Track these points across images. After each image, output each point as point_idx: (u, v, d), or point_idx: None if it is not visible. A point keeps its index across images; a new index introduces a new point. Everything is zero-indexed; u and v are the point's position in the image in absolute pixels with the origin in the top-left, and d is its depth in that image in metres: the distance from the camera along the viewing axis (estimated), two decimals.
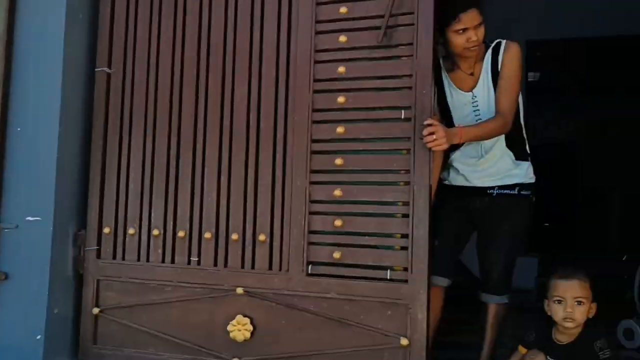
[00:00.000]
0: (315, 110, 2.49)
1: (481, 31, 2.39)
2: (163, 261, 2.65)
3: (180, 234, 2.62)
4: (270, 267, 2.51)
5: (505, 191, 2.52)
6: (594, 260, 7.05)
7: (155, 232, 2.66)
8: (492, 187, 2.53)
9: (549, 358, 2.28)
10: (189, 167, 2.64)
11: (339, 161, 2.44)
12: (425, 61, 2.36)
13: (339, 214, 2.44)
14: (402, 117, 2.38)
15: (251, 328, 2.49)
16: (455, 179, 2.59)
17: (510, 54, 2.45)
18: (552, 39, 6.06)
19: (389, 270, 2.37)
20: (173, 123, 2.68)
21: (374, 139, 2.43)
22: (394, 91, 2.41)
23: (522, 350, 2.39)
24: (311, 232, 2.47)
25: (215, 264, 2.58)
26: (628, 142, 8.20)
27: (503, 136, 2.50)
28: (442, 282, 2.56)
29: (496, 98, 2.45)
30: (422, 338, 2.30)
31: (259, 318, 2.50)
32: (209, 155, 2.62)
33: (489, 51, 2.48)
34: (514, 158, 2.54)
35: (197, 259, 2.61)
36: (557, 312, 2.24)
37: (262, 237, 2.52)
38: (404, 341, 2.31)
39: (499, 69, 2.45)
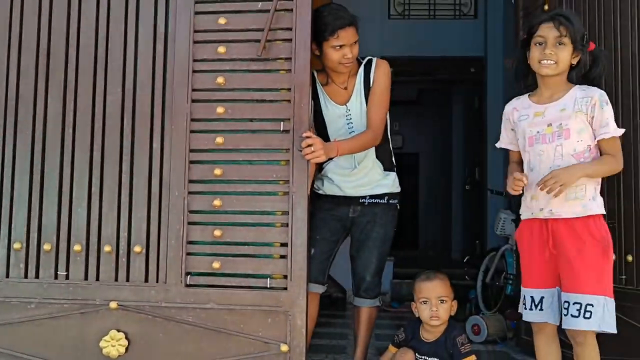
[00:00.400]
0: (193, 120, 2.48)
1: (356, 48, 2.53)
2: (26, 276, 2.48)
3: (46, 247, 2.47)
4: (146, 280, 2.45)
5: (375, 200, 2.67)
6: (438, 262, 7.67)
7: (16, 245, 2.48)
8: (364, 197, 2.68)
9: (417, 356, 2.45)
10: (56, 172, 2.50)
11: (218, 171, 2.45)
12: (302, 75, 2.45)
13: (218, 224, 2.45)
14: (281, 129, 2.45)
15: (126, 343, 2.42)
16: (329, 189, 2.70)
17: (381, 71, 2.62)
18: None
19: (268, 279, 2.42)
20: (37, 124, 2.52)
21: (253, 149, 2.47)
22: (272, 103, 2.48)
23: (392, 349, 2.56)
24: (190, 242, 2.45)
25: (86, 278, 2.47)
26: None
27: (373, 148, 2.65)
28: (319, 289, 2.65)
29: (368, 112, 2.60)
30: (302, 343, 2.37)
31: (134, 332, 2.43)
32: (78, 162, 2.50)
33: (362, 67, 2.63)
34: (382, 169, 2.71)
35: (65, 273, 2.47)
36: (423, 312, 2.42)
37: (137, 249, 2.46)
38: (284, 347, 2.37)
39: (371, 85, 2.60)
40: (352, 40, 2.49)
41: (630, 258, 2.67)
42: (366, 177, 2.67)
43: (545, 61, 2.17)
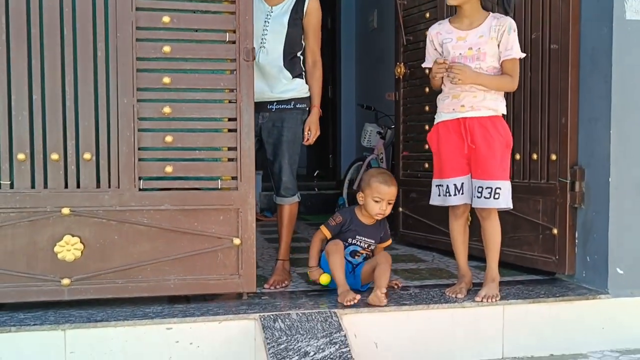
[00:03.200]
0: (139, 29, 2.52)
1: None
2: None
3: None
4: (98, 186, 2.52)
5: (282, 106, 2.96)
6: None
7: None
8: (272, 102, 2.94)
9: (358, 237, 2.84)
10: None
11: (166, 79, 2.54)
12: None
13: (168, 131, 2.57)
14: (227, 39, 2.59)
15: (81, 247, 2.49)
16: None
17: (314, 5, 2.97)
18: None
19: (219, 180, 2.62)
20: None
21: (200, 59, 2.59)
22: (217, 14, 2.59)
23: (325, 231, 2.84)
24: (141, 148, 2.55)
25: (33, 186, 2.46)
26: None
27: (281, 59, 2.92)
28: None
29: (308, 43, 2.99)
30: (252, 237, 2.64)
31: (89, 236, 2.51)
32: (15, 70, 2.43)
33: None
34: (291, 77, 2.96)
35: (8, 182, 2.45)
36: (372, 207, 2.77)
37: (87, 156, 2.49)
38: (237, 241, 2.62)
39: (303, 14, 2.93)
40: None
41: (517, 156, 3.25)
42: (275, 84, 2.92)
43: None
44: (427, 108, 3.92)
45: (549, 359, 2.73)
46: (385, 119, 5.43)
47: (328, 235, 2.85)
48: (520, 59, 2.69)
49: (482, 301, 2.67)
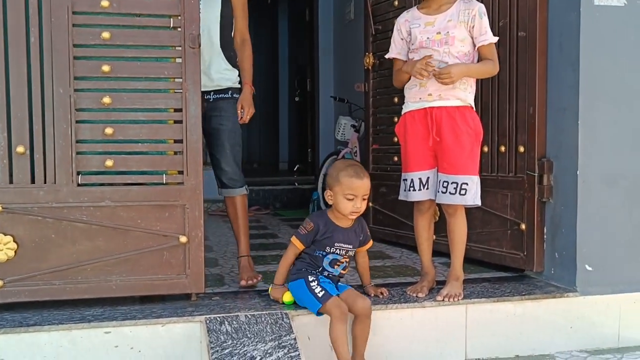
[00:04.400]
0: (75, 13, 2.36)
1: None
2: None
3: None
4: (33, 181, 2.36)
5: (220, 95, 2.80)
6: (269, 173, 8.00)
7: None
8: (209, 92, 2.77)
9: (336, 244, 2.44)
10: None
11: (105, 68, 2.39)
12: None
13: (108, 122, 2.41)
14: (171, 25, 2.44)
15: (15, 246, 2.34)
16: None
17: None
18: None
19: (164, 175, 2.47)
20: None
21: (142, 46, 2.44)
22: None
23: (297, 243, 2.46)
24: (79, 141, 2.39)
25: None
26: None
27: (218, 39, 2.77)
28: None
29: (236, 23, 2.84)
30: (200, 234, 2.49)
31: (23, 235, 2.35)
32: None
33: None
34: (227, 61, 2.81)
35: None
36: (345, 205, 2.37)
37: (20, 149, 2.34)
38: (183, 239, 2.47)
39: None
40: None
41: (485, 149, 3.11)
42: (212, 66, 2.76)
43: None
44: (395, 99, 3.78)
45: (514, 359, 2.61)
46: (359, 112, 5.29)
47: (300, 247, 2.46)
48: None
49: (443, 300, 2.55)
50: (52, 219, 2.37)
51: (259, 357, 2.18)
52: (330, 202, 2.44)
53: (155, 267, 2.47)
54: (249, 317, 2.35)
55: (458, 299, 2.56)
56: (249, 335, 2.27)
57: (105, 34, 2.38)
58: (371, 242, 2.59)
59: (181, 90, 2.45)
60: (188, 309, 2.42)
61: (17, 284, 2.35)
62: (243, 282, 2.77)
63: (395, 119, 3.79)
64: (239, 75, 2.87)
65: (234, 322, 2.32)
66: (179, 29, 2.44)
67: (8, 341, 2.19)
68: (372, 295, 2.59)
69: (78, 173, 2.40)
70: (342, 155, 5.29)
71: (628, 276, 2.77)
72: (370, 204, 4.07)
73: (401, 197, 2.73)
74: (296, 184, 6.91)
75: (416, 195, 2.63)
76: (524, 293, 2.69)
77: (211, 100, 2.78)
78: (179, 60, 2.45)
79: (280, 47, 9.35)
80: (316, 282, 2.39)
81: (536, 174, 2.85)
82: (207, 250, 3.71)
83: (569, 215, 2.74)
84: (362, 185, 2.38)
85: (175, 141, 2.48)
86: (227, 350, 2.19)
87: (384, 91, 3.94)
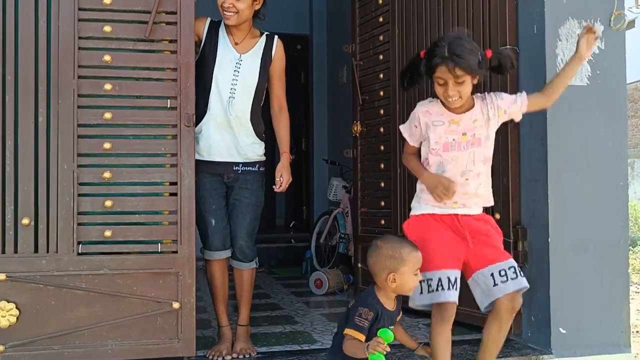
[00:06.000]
0: (81, 96, 2.58)
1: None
2: None
3: None
4: (36, 250, 2.53)
5: (248, 168, 2.87)
6: (266, 229, 8.15)
7: None
8: (238, 164, 2.84)
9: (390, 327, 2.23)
10: None
11: (107, 145, 2.59)
12: (187, 57, 2.66)
13: (108, 195, 2.60)
14: (168, 106, 2.65)
15: (17, 313, 2.48)
16: (206, 151, 2.82)
17: (281, 50, 2.94)
18: None
19: (159, 244, 2.64)
20: None
21: (141, 124, 2.64)
22: (159, 82, 2.66)
23: (359, 336, 2.17)
24: (80, 213, 2.57)
25: None
26: None
27: (249, 111, 2.85)
28: (226, 254, 2.89)
29: (274, 89, 2.95)
30: (192, 300, 2.64)
31: (25, 302, 2.50)
32: None
33: (264, 38, 2.92)
34: (254, 134, 2.89)
35: None
36: (413, 282, 2.23)
37: (25, 221, 2.51)
38: (176, 305, 2.61)
39: (271, 60, 2.90)
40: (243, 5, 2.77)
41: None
42: (241, 138, 2.83)
43: (450, 99, 2.31)
44: (382, 165, 3.98)
45: None
46: (350, 173, 5.48)
47: (363, 338, 2.16)
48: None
49: None
50: (53, 286, 2.53)
51: None
52: (392, 285, 2.22)
53: (149, 332, 2.60)
54: None
55: None
56: None
57: (107, 115, 2.59)
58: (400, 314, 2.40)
59: (176, 165, 2.64)
60: None
61: (18, 349, 2.48)
62: (234, 355, 2.75)
63: (382, 184, 4.00)
64: (263, 147, 2.95)
65: None
66: (176, 109, 2.64)
67: None
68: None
69: (79, 243, 2.56)
70: (334, 215, 5.46)
71: (601, 338, 2.90)
72: (360, 265, 4.23)
73: (421, 302, 2.34)
74: (292, 241, 7.06)
75: (446, 295, 2.28)
76: (501, 356, 2.80)
77: (239, 171, 2.85)
78: (175, 137, 2.65)
79: None
80: None
81: (511, 241, 3.01)
82: (201, 311, 3.83)
83: (543, 280, 2.88)
84: (420, 256, 2.26)
85: (170, 212, 2.65)
86: None
87: (371, 157, 4.14)
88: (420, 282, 2.29)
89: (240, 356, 2.76)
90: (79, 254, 2.56)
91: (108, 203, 2.58)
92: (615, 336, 2.93)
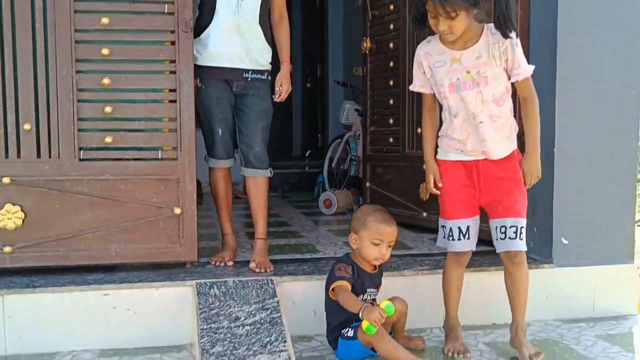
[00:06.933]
0: (77, 0, 2.54)
1: None
2: None
3: None
4: (39, 156, 2.56)
5: (258, 76, 2.81)
6: (282, 158, 8.17)
7: None
8: (247, 71, 2.77)
9: (369, 290, 2.36)
10: None
11: (105, 51, 2.57)
12: None
13: (108, 102, 2.60)
14: (165, 11, 2.61)
15: (22, 215, 2.54)
16: (211, 57, 2.74)
17: None
18: None
19: (159, 151, 2.65)
20: None
21: (139, 30, 2.61)
22: None
23: (345, 284, 2.27)
24: (81, 119, 2.59)
25: None
26: None
27: (258, 13, 2.75)
28: (230, 162, 2.90)
29: None
30: (193, 206, 2.68)
31: (30, 205, 2.56)
32: None
33: None
34: (264, 38, 2.80)
35: None
36: (370, 251, 2.29)
37: (27, 126, 2.54)
38: (177, 210, 2.65)
39: None
40: None
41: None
42: (251, 43, 2.75)
43: (444, 35, 2.17)
44: (391, 82, 3.92)
45: (491, 328, 2.75)
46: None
47: (349, 286, 2.27)
48: None
49: None
50: (56, 190, 2.57)
51: (243, 317, 2.36)
52: (354, 246, 2.35)
53: (152, 237, 2.65)
54: (237, 282, 2.53)
55: (541, 358, 2.30)
56: (235, 298, 2.45)
57: (105, 20, 2.56)
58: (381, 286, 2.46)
59: (175, 72, 2.62)
60: (181, 275, 2.60)
61: (25, 251, 2.56)
62: (252, 265, 2.71)
63: (391, 102, 3.95)
64: (271, 55, 2.86)
65: (222, 287, 2.50)
66: (173, 14, 2.60)
67: (16, 301, 2.39)
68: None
69: (80, 148, 2.59)
70: (346, 138, 5.44)
71: (604, 249, 2.89)
72: (368, 184, 4.23)
73: (439, 244, 2.45)
74: (306, 168, 7.07)
75: (455, 246, 2.36)
76: (500, 264, 2.81)
77: (249, 79, 2.78)
78: (173, 43, 2.62)
79: (294, 33, 9.45)
80: (347, 329, 2.29)
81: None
82: (210, 226, 3.91)
83: (547, 190, 2.86)
84: (390, 231, 2.30)
85: (170, 119, 2.65)
86: (214, 311, 2.38)
87: (380, 74, 4.07)
88: (441, 226, 2.39)
89: (257, 270, 2.69)
90: (80, 159, 2.59)
91: (108, 109, 2.59)
92: (619, 247, 2.92)
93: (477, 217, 2.38)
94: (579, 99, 2.82)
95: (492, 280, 2.77)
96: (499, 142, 2.27)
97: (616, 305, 2.90)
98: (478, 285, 2.76)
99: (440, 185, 2.38)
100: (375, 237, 2.29)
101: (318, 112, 7.80)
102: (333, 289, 2.28)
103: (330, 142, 5.88)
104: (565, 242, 2.85)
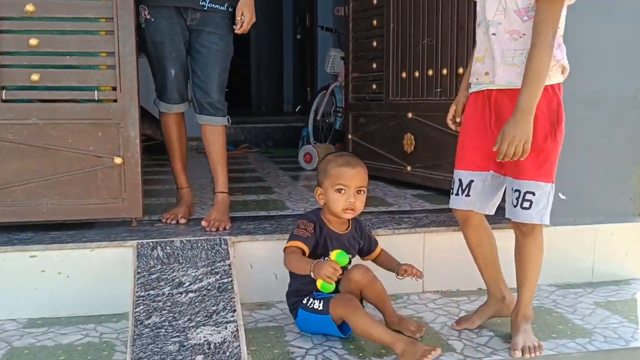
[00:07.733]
0: None
1: None
2: None
3: None
4: None
5: (216, 5, 2.45)
6: (270, 115, 7.79)
7: None
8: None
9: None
10: None
11: None
12: None
13: (33, 32, 2.23)
14: None
15: None
16: None
17: None
18: None
19: (96, 91, 2.30)
20: None
21: None
22: None
23: (302, 246, 1.95)
24: (3, 53, 2.22)
25: None
26: None
27: None
28: (185, 107, 2.56)
29: None
30: (136, 155, 2.33)
31: None
32: None
33: None
34: None
35: None
36: (337, 201, 1.95)
37: None
38: (118, 160, 2.31)
39: None
40: None
41: (445, 71, 2.90)
42: None
43: None
44: (374, 22, 3.54)
45: (477, 293, 2.44)
46: None
47: (306, 249, 1.94)
48: None
49: (523, 356, 1.84)
50: None
51: (187, 283, 2.04)
52: (320, 202, 2.01)
53: (89, 191, 2.32)
54: (185, 242, 2.20)
55: (539, 352, 1.85)
56: (180, 261, 2.13)
57: None
58: (379, 247, 2.15)
59: None
60: (122, 234, 2.28)
61: None
62: (204, 223, 2.40)
63: (374, 44, 3.57)
64: None
65: (167, 248, 2.18)
66: None
67: None
68: (405, 276, 2.07)
69: (2, 87, 2.23)
70: (332, 89, 5.05)
71: (606, 206, 2.56)
72: (350, 136, 3.89)
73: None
74: (292, 123, 6.69)
75: (451, 200, 2.00)
76: (491, 222, 2.48)
77: (205, 8, 2.42)
78: None
79: None
80: (312, 299, 1.97)
81: None
82: (168, 182, 3.56)
83: None
84: (355, 174, 1.95)
85: (108, 54, 2.29)
86: (154, 276, 2.06)
87: (363, 14, 3.69)
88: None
89: (213, 229, 2.36)
90: (3, 100, 2.23)
91: (33, 42, 2.22)
92: (622, 204, 2.59)
93: (489, 173, 1.91)
94: (584, 33, 2.44)
95: None
96: (510, 65, 1.79)
97: (618, 269, 2.59)
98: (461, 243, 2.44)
99: (458, 120, 2.01)
100: (337, 182, 1.95)
101: (307, 65, 7.40)
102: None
103: (316, 94, 5.49)
104: (563, 197, 2.51)
